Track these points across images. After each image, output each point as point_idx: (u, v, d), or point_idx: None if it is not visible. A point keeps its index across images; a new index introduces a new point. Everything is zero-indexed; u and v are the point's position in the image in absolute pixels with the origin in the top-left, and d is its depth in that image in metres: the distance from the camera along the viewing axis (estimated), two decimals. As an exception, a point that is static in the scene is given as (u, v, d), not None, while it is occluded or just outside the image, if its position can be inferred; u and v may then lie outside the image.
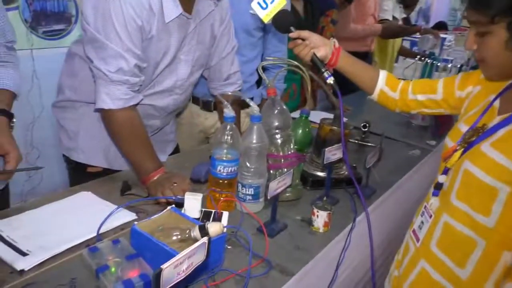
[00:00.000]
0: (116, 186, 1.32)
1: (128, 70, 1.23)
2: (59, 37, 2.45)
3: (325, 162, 1.31)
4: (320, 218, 1.21)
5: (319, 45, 1.30)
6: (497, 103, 1.07)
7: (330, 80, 1.25)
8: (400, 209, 1.65)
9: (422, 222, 1.14)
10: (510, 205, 0.94)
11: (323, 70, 1.27)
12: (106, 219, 1.11)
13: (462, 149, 1.05)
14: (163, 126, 1.62)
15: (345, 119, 2.11)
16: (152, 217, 1.02)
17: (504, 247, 0.97)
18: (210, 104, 1.87)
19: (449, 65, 2.91)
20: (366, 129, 1.90)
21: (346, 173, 1.55)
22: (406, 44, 4.43)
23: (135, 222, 0.99)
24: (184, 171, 1.49)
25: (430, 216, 1.11)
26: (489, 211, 0.97)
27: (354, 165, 1.62)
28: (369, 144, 1.92)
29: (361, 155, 1.77)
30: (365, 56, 3.30)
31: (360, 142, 1.93)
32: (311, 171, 1.51)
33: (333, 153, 1.33)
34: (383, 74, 1.38)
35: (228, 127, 1.19)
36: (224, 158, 1.20)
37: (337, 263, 1.18)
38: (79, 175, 1.45)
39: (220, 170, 1.20)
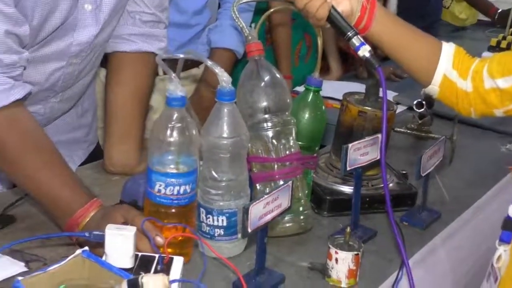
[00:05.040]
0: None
1: None
2: None
3: (348, 168, 1.32)
4: (342, 264, 1.22)
5: None
6: None
7: (364, 51, 1.25)
8: (485, 245, 1.67)
9: None
10: None
11: (349, 33, 1.27)
12: (-29, 274, 1.12)
13: None
14: (56, 116, 1.65)
15: (389, 95, 2.14)
16: (52, 267, 1.04)
17: None
18: None
19: None
20: (422, 110, 1.92)
21: (391, 185, 1.58)
22: None
23: (19, 278, 1.00)
24: (110, 189, 1.50)
25: (496, 280, 1.12)
26: None
27: (404, 171, 1.63)
28: (431, 135, 1.93)
29: (418, 154, 1.79)
30: None
31: (415, 133, 1.95)
32: (329, 184, 1.53)
33: (362, 152, 1.34)
34: (448, 49, 1.36)
35: (175, 115, 1.20)
36: (170, 171, 1.20)
37: None
38: None
39: (160, 191, 1.20)
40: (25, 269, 1.18)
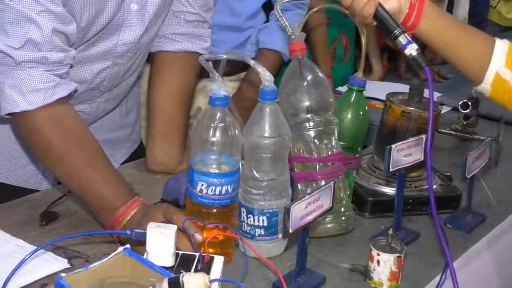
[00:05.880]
0: (35, 213, 1.36)
1: (42, 41, 1.25)
2: None
3: (391, 169, 1.31)
4: (384, 266, 1.21)
5: None
6: None
7: (411, 50, 1.24)
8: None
9: None
10: None
11: (396, 32, 1.26)
12: (15, 269, 1.14)
13: None
14: (101, 115, 1.67)
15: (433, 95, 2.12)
16: (93, 264, 1.05)
17: None
18: None
19: None
20: (467, 110, 1.89)
21: (435, 187, 1.56)
22: None
23: (62, 274, 1.01)
24: (152, 187, 1.52)
25: None
26: None
27: (448, 173, 1.61)
28: (476, 136, 1.92)
29: (463, 156, 1.77)
30: None
31: (460, 134, 1.93)
32: (371, 185, 1.52)
33: (405, 153, 1.33)
34: (502, 46, 1.34)
35: (218, 114, 1.20)
36: (212, 170, 1.21)
37: None
38: None
39: (202, 191, 1.21)
40: (68, 265, 1.20)
